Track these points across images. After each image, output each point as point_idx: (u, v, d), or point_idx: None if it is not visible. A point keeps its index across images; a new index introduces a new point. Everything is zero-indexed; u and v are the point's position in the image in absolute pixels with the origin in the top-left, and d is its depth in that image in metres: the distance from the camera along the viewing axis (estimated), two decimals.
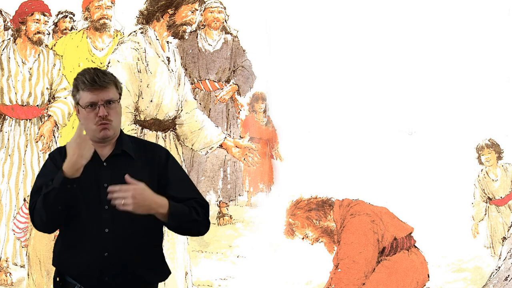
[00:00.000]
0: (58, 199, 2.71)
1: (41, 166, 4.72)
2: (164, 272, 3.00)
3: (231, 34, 5.37)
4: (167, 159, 2.95)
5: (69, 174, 2.68)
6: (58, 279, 2.91)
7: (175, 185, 2.90)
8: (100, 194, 2.82)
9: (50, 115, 5.17)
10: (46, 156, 5.02)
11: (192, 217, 2.86)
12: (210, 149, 5.26)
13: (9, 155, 5.13)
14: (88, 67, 2.93)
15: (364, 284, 5.13)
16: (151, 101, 5.08)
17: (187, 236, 5.18)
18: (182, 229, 2.92)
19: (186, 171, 5.18)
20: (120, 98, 2.90)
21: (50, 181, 2.73)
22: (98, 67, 3.04)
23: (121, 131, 2.95)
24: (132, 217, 2.79)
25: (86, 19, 5.24)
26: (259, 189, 5.34)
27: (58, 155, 2.89)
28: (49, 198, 2.72)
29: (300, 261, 5.22)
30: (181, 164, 5.11)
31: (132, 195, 2.68)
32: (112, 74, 2.91)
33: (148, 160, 2.92)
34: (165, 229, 3.05)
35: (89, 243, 2.81)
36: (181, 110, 5.21)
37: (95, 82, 2.79)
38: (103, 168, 2.86)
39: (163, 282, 3.06)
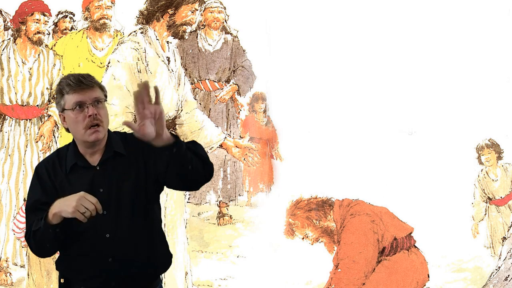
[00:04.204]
0: (45, 238, 2.70)
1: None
2: (168, 261, 2.98)
3: (231, 34, 5.37)
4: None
5: (50, 219, 2.65)
6: (62, 281, 2.91)
7: None
8: (97, 199, 2.79)
9: (50, 115, 5.17)
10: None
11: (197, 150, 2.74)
12: (210, 149, 5.26)
13: (9, 155, 5.13)
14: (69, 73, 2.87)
15: (364, 284, 5.13)
16: None
17: (187, 236, 5.18)
18: (187, 161, 2.67)
19: None
20: (106, 100, 2.84)
21: (40, 215, 2.71)
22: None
23: (109, 131, 2.87)
24: (132, 219, 2.79)
25: (86, 19, 5.23)
26: (259, 189, 5.34)
27: (43, 169, 2.84)
28: (37, 236, 2.72)
29: (300, 261, 5.22)
30: None
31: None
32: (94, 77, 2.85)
33: (137, 153, 2.84)
34: (165, 228, 3.04)
35: (92, 250, 2.78)
36: (181, 110, 5.21)
37: (82, 82, 2.72)
38: (97, 173, 2.81)
39: (163, 282, 3.06)
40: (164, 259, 2.96)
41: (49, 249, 2.78)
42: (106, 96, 2.83)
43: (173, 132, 2.68)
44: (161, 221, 2.99)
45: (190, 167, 2.68)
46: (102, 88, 2.82)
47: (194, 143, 2.78)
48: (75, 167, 2.82)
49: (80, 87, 2.73)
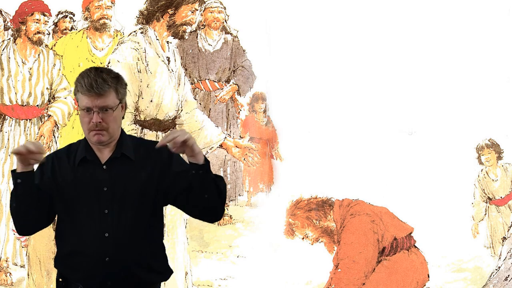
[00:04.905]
0: (12, 195, 2.81)
1: None
2: (167, 272, 3.00)
3: (231, 34, 5.38)
4: (171, 154, 2.84)
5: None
6: (60, 279, 2.92)
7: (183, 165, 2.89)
8: (100, 198, 2.80)
9: (50, 115, 5.18)
10: None
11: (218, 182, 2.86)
12: (210, 149, 5.26)
13: (9, 155, 5.13)
14: (91, 67, 2.86)
15: (364, 284, 5.13)
16: (151, 101, 5.08)
17: (187, 236, 5.19)
18: (206, 189, 2.81)
19: None
20: (121, 102, 2.83)
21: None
22: (102, 68, 2.96)
23: (123, 132, 2.90)
24: (132, 220, 2.79)
25: (86, 19, 5.24)
26: (259, 189, 5.34)
27: (49, 160, 2.89)
28: (12, 197, 2.83)
29: (300, 261, 5.22)
30: None
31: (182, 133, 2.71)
32: (114, 77, 2.81)
33: (148, 161, 2.87)
34: (165, 229, 3.05)
35: (90, 248, 2.79)
36: (181, 110, 5.21)
37: (92, 88, 2.73)
38: (103, 171, 2.83)
39: (163, 282, 3.07)
40: (162, 268, 2.96)
41: (18, 211, 2.84)
42: (121, 99, 2.83)
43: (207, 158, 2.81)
44: (162, 235, 3.00)
45: (206, 196, 2.80)
46: (117, 91, 2.80)
47: (221, 178, 2.87)
48: (84, 162, 2.85)
49: (90, 93, 2.74)
